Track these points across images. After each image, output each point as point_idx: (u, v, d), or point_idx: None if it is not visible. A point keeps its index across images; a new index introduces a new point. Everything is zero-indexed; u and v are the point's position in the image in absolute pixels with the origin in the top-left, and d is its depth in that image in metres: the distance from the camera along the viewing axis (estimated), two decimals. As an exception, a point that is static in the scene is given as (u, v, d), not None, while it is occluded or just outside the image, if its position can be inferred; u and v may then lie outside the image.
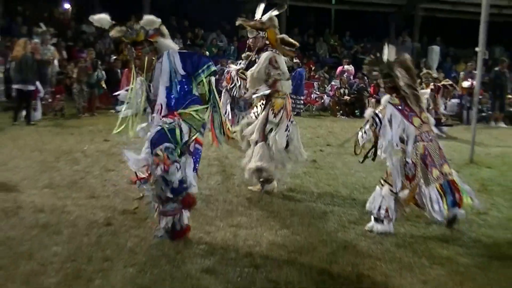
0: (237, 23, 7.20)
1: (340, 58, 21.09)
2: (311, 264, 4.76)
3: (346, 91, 17.79)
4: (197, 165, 5.28)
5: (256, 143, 6.94)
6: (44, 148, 9.58)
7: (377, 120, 5.58)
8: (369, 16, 24.05)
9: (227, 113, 7.69)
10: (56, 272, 4.37)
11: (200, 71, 5.11)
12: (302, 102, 17.06)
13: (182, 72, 5.06)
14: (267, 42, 6.99)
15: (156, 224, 5.28)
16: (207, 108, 5.30)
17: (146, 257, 4.74)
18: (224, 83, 7.63)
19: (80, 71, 14.72)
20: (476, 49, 10.01)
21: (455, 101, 17.41)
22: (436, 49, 19.05)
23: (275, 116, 6.91)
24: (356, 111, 17.44)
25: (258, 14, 7.00)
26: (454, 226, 5.74)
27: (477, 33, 9.85)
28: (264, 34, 6.96)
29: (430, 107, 11.67)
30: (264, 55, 6.86)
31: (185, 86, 5.11)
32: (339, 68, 18.85)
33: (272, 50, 6.92)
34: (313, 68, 19.85)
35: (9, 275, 4.29)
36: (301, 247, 5.15)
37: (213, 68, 5.23)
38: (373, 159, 5.81)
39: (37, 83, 13.04)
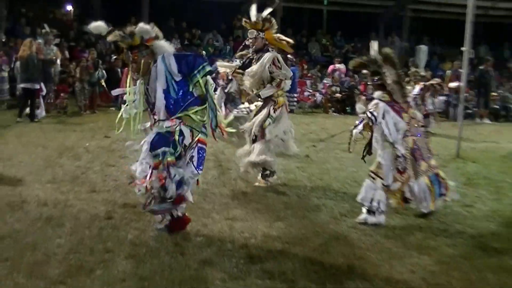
0: (243, 23, 7.22)
1: (332, 57, 21.02)
2: (304, 254, 4.77)
3: (338, 88, 17.75)
4: (202, 162, 5.21)
5: (256, 138, 6.98)
6: (48, 144, 9.55)
7: (373, 118, 5.59)
8: (360, 16, 24.02)
9: (221, 108, 7.73)
10: (60, 263, 4.38)
11: (195, 71, 4.98)
12: (295, 99, 17.02)
13: (178, 76, 4.96)
14: (266, 42, 7.02)
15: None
16: (206, 108, 5.22)
17: (145, 249, 4.74)
18: (221, 82, 7.65)
19: (82, 70, 14.68)
20: (462, 48, 10.01)
21: (442, 98, 17.40)
22: (423, 48, 18.94)
23: (275, 112, 6.98)
24: (347, 108, 17.40)
25: (252, 16, 7.01)
26: (430, 217, 5.84)
27: (462, 33, 9.86)
28: (263, 35, 6.98)
29: (419, 104, 11.69)
30: (267, 56, 6.89)
31: (183, 88, 5.02)
32: (331, 67, 18.82)
33: (272, 50, 6.95)
34: (305, 67, 19.82)
35: (14, 265, 4.29)
36: (294, 239, 5.16)
37: (209, 68, 5.12)
38: (370, 154, 5.82)
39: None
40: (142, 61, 4.99)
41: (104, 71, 15.20)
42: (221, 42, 21.03)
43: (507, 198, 6.97)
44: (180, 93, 5.01)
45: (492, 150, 10.84)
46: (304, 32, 23.44)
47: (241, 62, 7.20)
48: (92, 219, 5.50)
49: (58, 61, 14.97)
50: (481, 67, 17.89)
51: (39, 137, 10.31)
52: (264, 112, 6.97)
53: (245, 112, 7.18)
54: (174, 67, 4.95)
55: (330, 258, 4.71)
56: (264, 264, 4.51)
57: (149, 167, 4.98)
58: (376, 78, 5.75)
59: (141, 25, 4.96)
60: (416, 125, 5.79)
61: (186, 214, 5.32)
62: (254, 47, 7.05)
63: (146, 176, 5.01)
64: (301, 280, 4.24)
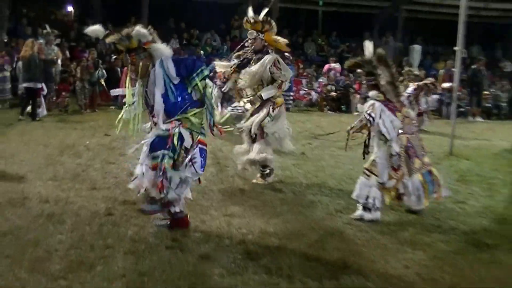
0: (243, 24, 7.22)
1: (327, 56, 21.00)
2: (300, 250, 4.77)
3: (333, 87, 17.74)
4: (203, 163, 5.16)
5: (255, 138, 6.98)
6: (49, 142, 9.53)
7: (370, 119, 5.60)
8: (355, 17, 23.98)
9: (217, 108, 7.74)
10: (61, 259, 4.37)
11: (194, 75, 4.93)
12: (291, 98, 16.99)
13: (176, 79, 4.90)
14: (266, 44, 7.02)
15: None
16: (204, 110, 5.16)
17: (145, 245, 4.73)
18: (218, 81, 7.65)
19: (83, 70, 14.67)
20: (455, 48, 10.03)
21: (435, 97, 17.42)
22: (417, 48, 18.99)
23: (273, 110, 7.00)
24: (342, 107, 17.44)
25: (250, 16, 7.01)
26: (424, 213, 5.83)
27: (455, 33, 9.87)
28: (263, 36, 6.98)
29: (413, 104, 11.71)
30: (268, 58, 6.90)
31: (182, 91, 4.96)
32: (326, 66, 18.80)
33: (272, 52, 6.95)
34: (301, 66, 19.81)
35: (16, 261, 4.28)
36: (290, 235, 5.16)
37: (207, 72, 5.05)
38: (368, 154, 5.84)
39: (41, 82, 12.98)
40: (141, 63, 4.94)
41: (104, 71, 15.18)
42: (219, 42, 21.01)
43: (499, 194, 6.98)
44: (179, 96, 4.96)
45: (485, 147, 10.85)
46: (300, 32, 23.42)
47: (239, 61, 7.18)
48: (92, 215, 5.48)
49: (59, 61, 14.96)
50: (473, 67, 17.92)
51: (41, 135, 10.28)
52: (263, 111, 6.97)
53: (240, 111, 7.20)
54: (172, 70, 4.90)
55: (326, 253, 4.71)
56: (261, 259, 4.50)
57: (148, 168, 4.96)
58: (371, 78, 5.77)
59: (138, 28, 4.89)
60: (409, 124, 5.81)
61: (187, 216, 5.29)
62: (253, 47, 7.05)
63: (144, 178, 5.00)
64: (297, 275, 4.23)
